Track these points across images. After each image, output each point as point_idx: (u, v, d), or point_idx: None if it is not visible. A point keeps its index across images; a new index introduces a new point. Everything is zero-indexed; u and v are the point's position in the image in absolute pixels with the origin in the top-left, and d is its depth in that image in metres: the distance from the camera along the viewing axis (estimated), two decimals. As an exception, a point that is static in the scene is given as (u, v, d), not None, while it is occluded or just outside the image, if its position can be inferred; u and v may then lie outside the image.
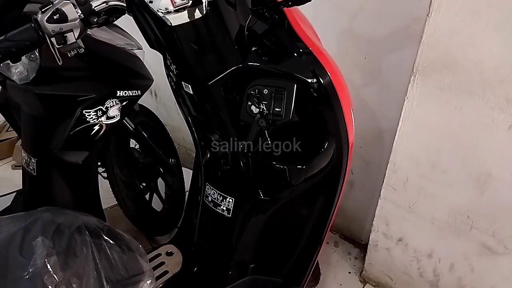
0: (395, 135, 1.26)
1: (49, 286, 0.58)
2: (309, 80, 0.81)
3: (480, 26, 0.97)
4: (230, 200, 1.04)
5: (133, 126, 1.48)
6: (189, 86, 0.82)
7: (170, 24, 0.68)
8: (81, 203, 1.33)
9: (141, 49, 1.38)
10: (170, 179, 1.81)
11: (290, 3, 0.77)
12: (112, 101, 1.22)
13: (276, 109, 0.85)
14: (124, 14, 0.80)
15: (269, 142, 0.90)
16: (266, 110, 0.86)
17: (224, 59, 0.78)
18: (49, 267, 0.60)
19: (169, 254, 1.30)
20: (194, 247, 1.24)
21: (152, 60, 1.33)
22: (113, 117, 1.24)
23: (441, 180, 1.21)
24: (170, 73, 0.94)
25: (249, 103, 0.87)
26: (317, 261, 1.44)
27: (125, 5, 0.75)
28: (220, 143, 0.93)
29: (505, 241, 1.16)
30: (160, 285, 1.18)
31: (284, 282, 1.15)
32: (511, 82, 0.97)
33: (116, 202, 1.59)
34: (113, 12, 0.78)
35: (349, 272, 1.67)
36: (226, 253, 1.12)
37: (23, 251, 0.61)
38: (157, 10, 0.67)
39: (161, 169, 1.75)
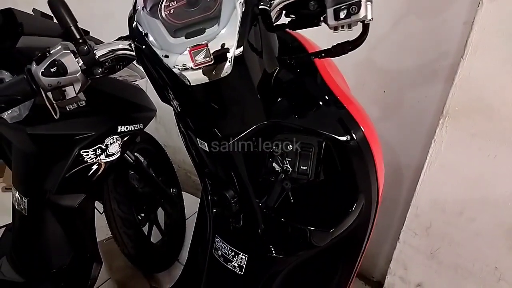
0: (418, 174, 1.17)
1: None
2: (341, 138, 0.71)
3: (521, 71, 0.88)
4: (243, 256, 0.94)
5: (133, 158, 1.38)
6: (205, 144, 0.72)
7: (188, 84, 0.58)
8: (75, 244, 1.23)
9: (144, 77, 1.29)
10: (170, 209, 1.71)
11: (323, 54, 0.67)
12: (113, 138, 1.11)
13: (302, 167, 0.76)
14: (132, 62, 0.70)
15: (292, 201, 0.81)
16: (291, 168, 0.76)
17: (248, 116, 0.68)
18: None
19: (172, 304, 1.20)
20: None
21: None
22: (113, 154, 1.14)
23: (469, 228, 1.13)
24: (182, 127, 0.84)
25: (271, 159, 0.77)
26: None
27: (134, 54, 0.65)
28: (235, 199, 0.83)
29: (538, 297, 1.08)
30: None
31: None
32: (555, 133, 0.88)
33: (111, 234, 1.48)
34: (120, 61, 0.68)
35: (361, 313, 1.58)
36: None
37: None
38: (173, 67, 0.57)
39: (160, 199, 1.65)
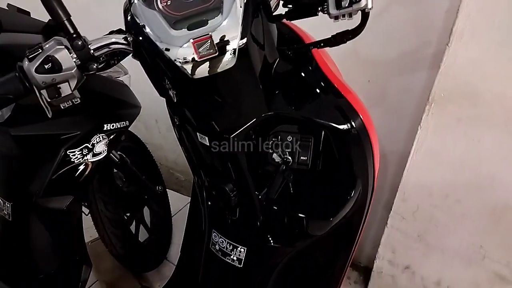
0: (403, 160, 1.20)
1: None
2: (341, 127, 0.72)
3: (504, 56, 0.91)
4: (242, 249, 0.94)
5: (118, 157, 1.35)
6: (206, 138, 0.71)
7: (191, 77, 0.57)
8: (63, 248, 1.19)
9: (127, 74, 1.25)
10: (156, 207, 1.68)
11: (322, 44, 0.67)
12: (99, 136, 1.08)
13: (302, 157, 0.76)
14: (127, 56, 0.68)
15: (291, 191, 0.81)
16: (291, 159, 0.77)
17: (250, 108, 0.68)
18: None
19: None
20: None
21: (134, 78, 1.21)
22: (100, 153, 1.11)
23: (455, 210, 1.17)
24: (178, 121, 0.82)
25: (271, 151, 0.77)
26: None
27: (131, 49, 0.63)
28: (234, 193, 0.83)
29: (521, 272, 1.13)
30: None
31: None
32: (536, 115, 0.93)
33: (97, 236, 1.45)
34: (114, 55, 0.66)
35: (350, 298, 1.61)
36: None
37: None
38: (175, 60, 0.56)
39: (146, 197, 1.62)
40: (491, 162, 1.04)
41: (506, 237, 1.12)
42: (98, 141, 1.08)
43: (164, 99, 0.73)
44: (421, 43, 1.16)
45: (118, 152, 1.41)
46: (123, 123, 1.16)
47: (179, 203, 2.01)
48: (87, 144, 1.05)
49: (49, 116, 0.66)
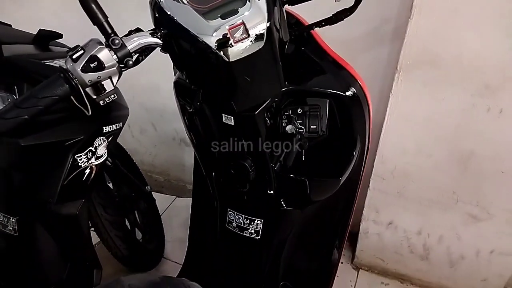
0: (379, 127, 1.34)
1: None
2: (345, 94, 0.83)
3: (458, 23, 1.07)
4: (259, 222, 1.02)
5: (110, 160, 1.37)
6: (231, 118, 0.78)
7: (228, 60, 0.65)
8: (72, 256, 1.20)
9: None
10: (146, 207, 1.71)
11: (323, 23, 0.78)
12: (100, 139, 1.11)
13: (312, 126, 0.86)
14: (153, 51, 0.74)
15: (304, 160, 0.91)
16: (302, 129, 0.86)
17: (272, 86, 0.77)
18: None
19: None
20: (215, 275, 1.19)
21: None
22: (102, 156, 1.14)
23: (427, 164, 1.33)
24: (189, 102, 0.89)
25: (284, 124, 0.86)
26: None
27: (161, 43, 0.69)
28: (252, 168, 0.91)
29: (488, 208, 1.32)
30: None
31: (313, 289, 1.17)
32: (488, 71, 1.10)
33: (95, 243, 1.46)
34: (144, 51, 0.72)
35: (341, 262, 1.75)
36: (255, 276, 1.11)
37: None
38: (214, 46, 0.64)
39: (136, 198, 1.64)
40: (454, 117, 1.21)
41: (474, 181, 1.30)
42: (99, 144, 1.11)
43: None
44: (381, 21, 1.30)
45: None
46: (118, 125, 1.19)
47: (164, 203, 2.05)
48: (91, 148, 1.08)
49: (88, 114, 0.70)
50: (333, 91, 0.83)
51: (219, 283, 1.19)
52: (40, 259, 1.17)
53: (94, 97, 0.66)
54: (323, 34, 1.39)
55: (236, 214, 1.04)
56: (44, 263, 1.18)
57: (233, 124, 0.79)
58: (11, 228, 1.10)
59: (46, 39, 1.06)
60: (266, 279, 1.11)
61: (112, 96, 0.70)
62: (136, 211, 1.67)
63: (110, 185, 1.52)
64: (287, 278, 1.15)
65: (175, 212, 2.02)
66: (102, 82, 0.66)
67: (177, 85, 0.92)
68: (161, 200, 2.04)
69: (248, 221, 1.03)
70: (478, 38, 1.07)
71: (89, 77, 0.64)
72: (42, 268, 1.18)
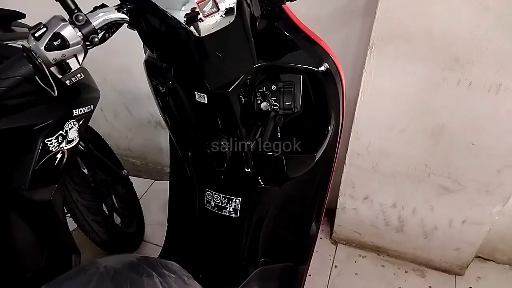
0: (353, 104, 1.36)
1: None
2: (318, 69, 0.83)
3: (428, -3, 1.08)
4: (237, 200, 1.03)
5: (83, 145, 1.34)
6: (205, 96, 0.77)
7: (198, 35, 0.63)
8: (49, 243, 1.18)
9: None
10: (123, 191, 1.69)
11: (293, -4, 0.77)
12: (70, 123, 1.08)
13: (286, 103, 0.86)
14: (120, 27, 0.72)
15: (279, 137, 0.91)
16: (277, 106, 0.86)
17: (244, 62, 0.76)
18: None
19: (165, 268, 1.24)
20: (193, 255, 1.20)
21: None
22: (73, 140, 1.11)
23: (400, 139, 1.36)
24: (160, 82, 0.87)
25: (259, 101, 0.86)
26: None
27: (128, 18, 0.67)
28: (228, 146, 0.91)
29: (459, 180, 1.36)
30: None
31: (292, 264, 1.19)
32: (458, 44, 1.11)
33: (72, 229, 1.44)
34: (110, 28, 0.69)
35: (320, 238, 1.79)
36: (235, 254, 1.12)
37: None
38: (182, 21, 0.62)
39: (113, 183, 1.62)
40: (425, 91, 1.23)
41: (445, 154, 1.33)
42: (70, 127, 1.08)
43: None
44: (350, -2, 1.30)
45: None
46: (89, 108, 1.16)
47: (143, 187, 2.03)
48: (61, 132, 1.05)
49: (55, 95, 0.68)
50: (307, 67, 0.82)
51: (200, 263, 1.20)
52: (15, 247, 1.14)
53: (60, 76, 0.64)
54: (295, 11, 1.38)
55: (214, 194, 1.04)
56: (20, 251, 1.16)
57: (206, 102, 0.78)
58: (-18, 217, 1.07)
59: (7, 19, 1.02)
60: (246, 257, 1.12)
61: (79, 75, 0.68)
62: (113, 196, 1.66)
63: (85, 170, 1.49)
64: (267, 254, 1.17)
65: (154, 196, 2.01)
66: (67, 61, 0.63)
67: (147, 64, 0.90)
68: (139, 184, 2.02)
69: (226, 200, 1.03)
70: (449, 12, 1.08)
71: (53, 55, 0.61)
72: (18, 256, 1.16)
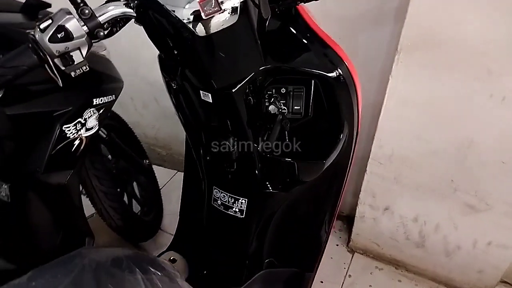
0: (378, 111, 1.30)
1: None
2: (329, 75, 0.80)
3: (461, 3, 1.01)
4: (243, 201, 1.02)
5: (106, 133, 1.38)
6: (209, 95, 0.77)
7: (199, 35, 0.62)
8: (65, 225, 1.23)
9: (106, 48, 1.27)
10: (144, 180, 1.73)
11: (309, -2, 0.74)
12: (90, 111, 1.11)
13: (296, 107, 0.84)
14: (128, 22, 0.72)
15: (288, 141, 0.89)
16: (286, 109, 0.84)
17: (249, 63, 0.74)
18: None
19: (173, 261, 1.26)
20: (200, 251, 1.21)
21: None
22: (92, 128, 1.14)
23: (426, 150, 1.29)
24: (172, 79, 0.87)
25: (267, 103, 0.84)
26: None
27: (134, 14, 0.67)
28: (235, 146, 0.90)
29: (486, 199, 1.28)
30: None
31: (298, 270, 1.17)
32: (492, 54, 1.04)
33: (92, 213, 1.49)
34: (118, 23, 0.70)
35: (337, 245, 1.74)
36: (240, 253, 1.11)
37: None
38: (183, 19, 0.61)
39: (135, 171, 1.66)
40: (454, 102, 1.16)
41: (473, 170, 1.25)
42: (89, 116, 1.11)
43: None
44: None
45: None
46: (110, 97, 1.19)
47: (166, 177, 2.07)
48: (80, 119, 1.08)
49: (60, 85, 0.69)
50: (318, 72, 0.79)
51: (205, 260, 1.21)
52: (32, 226, 1.19)
53: (63, 68, 0.65)
54: (322, 11, 1.35)
55: (221, 192, 1.04)
56: (36, 231, 1.21)
57: (211, 101, 0.78)
58: (4, 194, 1.12)
59: (34, 8, 1.05)
60: (251, 257, 1.11)
61: (84, 67, 0.69)
62: (136, 184, 1.70)
63: (109, 157, 1.54)
64: (273, 255, 1.15)
65: (175, 186, 2.03)
66: (71, 53, 0.64)
67: (161, 59, 0.91)
68: (162, 174, 2.06)
69: (233, 200, 1.02)
70: (482, 19, 1.01)
71: (56, 47, 0.62)
72: (34, 235, 1.21)
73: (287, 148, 0.90)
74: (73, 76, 0.68)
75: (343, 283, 1.58)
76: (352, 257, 1.69)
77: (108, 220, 1.44)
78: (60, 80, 0.69)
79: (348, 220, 1.73)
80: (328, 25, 1.36)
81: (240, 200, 1.02)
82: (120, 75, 1.29)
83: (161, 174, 1.99)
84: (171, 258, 1.27)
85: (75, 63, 0.65)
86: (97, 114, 1.14)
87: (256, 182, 0.97)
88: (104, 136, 1.37)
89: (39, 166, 1.04)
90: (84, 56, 0.66)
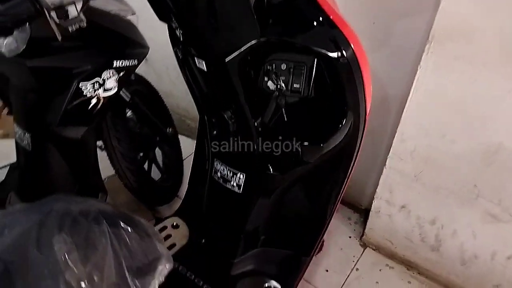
0: (405, 104, 1.23)
1: (71, 282, 0.56)
2: (331, 55, 0.76)
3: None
4: (241, 176, 1.01)
5: (129, 96, 1.41)
6: (203, 62, 0.76)
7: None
8: (80, 177, 1.29)
9: (135, 13, 1.29)
10: (167, 148, 1.77)
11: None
12: (109, 72, 1.14)
13: (295, 85, 0.81)
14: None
15: (285, 119, 0.87)
16: (284, 87, 0.81)
17: (243, 33, 0.72)
18: (69, 263, 0.57)
19: (175, 226, 1.29)
20: (201, 220, 1.23)
21: (144, 25, 1.25)
22: (110, 89, 1.17)
23: (450, 150, 1.21)
24: (178, 48, 0.87)
25: (266, 78, 0.82)
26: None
27: None
28: (232, 120, 0.89)
29: (510, 209, 1.18)
30: (169, 259, 1.17)
31: (294, 253, 1.15)
32: (532, 52, 0.94)
33: (113, 173, 1.55)
34: None
35: (350, 237, 1.70)
36: (236, 227, 1.11)
37: (41, 247, 0.57)
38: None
39: (158, 139, 1.70)
40: (485, 102, 1.07)
41: (498, 177, 1.16)
42: (108, 76, 1.14)
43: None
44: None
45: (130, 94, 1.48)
46: (132, 61, 1.22)
47: (190, 148, 2.10)
48: (98, 79, 1.11)
49: (59, 39, 0.72)
50: (319, 50, 0.76)
51: (205, 229, 1.22)
52: (50, 175, 1.27)
53: (58, 21, 0.67)
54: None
55: (221, 165, 1.04)
56: (54, 180, 1.28)
57: (205, 69, 0.77)
58: (26, 143, 1.20)
59: None
60: (247, 232, 1.11)
61: (81, 23, 0.70)
62: (159, 150, 1.74)
63: (132, 123, 1.59)
64: (269, 235, 1.14)
65: (200, 158, 2.07)
66: (66, 8, 0.66)
67: (170, 28, 0.91)
68: (189, 144, 2.08)
69: (231, 174, 1.02)
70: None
71: (52, 0, 0.64)
72: (52, 184, 1.29)
73: (285, 129, 0.88)
74: (70, 31, 0.70)
75: (348, 275, 1.55)
76: (364, 251, 1.65)
77: (124, 180, 1.50)
78: (59, 34, 0.71)
79: (366, 214, 1.67)
80: (362, 8, 1.30)
81: (238, 175, 1.01)
82: (146, 41, 1.31)
83: (188, 145, 2.02)
84: (174, 223, 1.30)
85: (69, 17, 0.66)
86: (116, 76, 1.17)
87: (254, 160, 0.96)
88: (127, 99, 1.40)
89: (55, 119, 1.09)
90: (79, 12, 0.67)
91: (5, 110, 2.08)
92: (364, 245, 1.67)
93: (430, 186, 1.32)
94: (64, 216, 0.63)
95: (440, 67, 1.09)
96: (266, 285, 1.14)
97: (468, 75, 1.05)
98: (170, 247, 1.23)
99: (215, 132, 1.00)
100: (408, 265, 1.58)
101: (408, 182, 1.37)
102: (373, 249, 1.65)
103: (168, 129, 1.70)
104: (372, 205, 1.54)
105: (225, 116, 0.87)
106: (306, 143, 0.88)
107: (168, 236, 1.27)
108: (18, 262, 0.54)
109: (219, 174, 1.05)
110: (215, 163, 1.05)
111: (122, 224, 0.69)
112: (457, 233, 1.35)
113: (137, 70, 1.57)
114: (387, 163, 1.38)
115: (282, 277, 1.15)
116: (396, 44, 1.30)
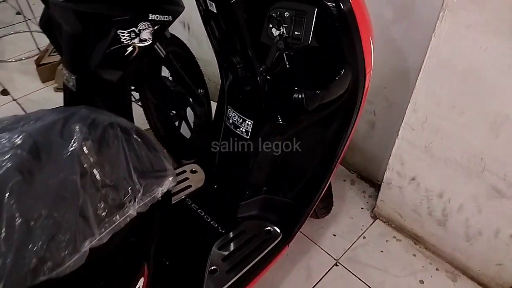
0: (418, 73, 1.26)
1: (85, 165, 0.69)
2: (330, 4, 0.83)
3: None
4: (249, 122, 1.11)
5: (164, 52, 1.55)
6: (213, 4, 0.86)
7: None
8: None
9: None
10: (199, 109, 1.89)
11: None
12: (144, 24, 1.27)
13: (296, 32, 0.89)
14: None
15: (287, 65, 0.95)
16: (286, 33, 0.90)
17: None
18: (85, 149, 0.70)
19: (193, 172, 1.42)
20: (215, 167, 1.34)
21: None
22: (145, 40, 1.31)
23: (458, 121, 1.23)
24: (202, 10, 0.98)
25: (270, 25, 0.91)
26: (331, 192, 1.53)
27: None
28: (241, 65, 0.98)
29: (515, 184, 1.19)
30: (183, 197, 1.30)
31: (295, 203, 1.24)
32: (541, 20, 0.95)
33: (147, 127, 1.71)
34: None
35: (362, 208, 1.75)
36: (243, 174, 1.22)
37: (63, 135, 0.71)
38: None
39: (190, 99, 1.83)
40: (494, 71, 1.08)
41: (505, 150, 1.17)
42: (143, 28, 1.28)
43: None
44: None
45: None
46: (166, 17, 1.34)
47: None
48: (134, 29, 1.25)
49: None
50: None
51: (216, 175, 1.34)
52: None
53: None
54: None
55: (233, 112, 1.15)
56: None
57: (215, 11, 0.87)
58: (72, 84, 1.38)
59: None
60: (252, 178, 1.21)
61: None
62: (190, 109, 1.88)
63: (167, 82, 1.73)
64: (271, 184, 1.24)
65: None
66: None
67: None
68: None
69: (241, 120, 1.13)
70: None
71: None
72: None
73: (287, 76, 0.96)
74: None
75: (355, 242, 1.61)
76: (373, 222, 1.70)
77: (154, 130, 1.65)
78: None
79: (379, 187, 1.71)
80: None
81: (246, 121, 1.11)
82: (181, 1, 1.43)
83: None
84: (193, 169, 1.43)
85: None
86: (151, 29, 1.30)
87: (261, 108, 1.06)
88: (163, 55, 1.54)
89: (96, 61, 1.25)
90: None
91: (61, 66, 2.32)
92: (375, 217, 1.72)
93: (439, 157, 1.35)
94: (84, 117, 0.76)
95: (453, 35, 1.12)
96: (267, 229, 1.24)
97: (479, 44, 1.08)
98: (186, 188, 1.36)
99: (228, 79, 1.10)
100: (416, 239, 1.61)
101: (418, 154, 1.40)
102: (383, 221, 1.70)
103: (200, 91, 1.82)
104: (384, 177, 1.58)
105: (234, 60, 0.97)
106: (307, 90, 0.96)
107: (185, 179, 1.40)
108: (44, 142, 0.68)
109: (230, 120, 1.15)
110: (228, 110, 1.16)
111: (133, 134, 0.81)
112: (463, 207, 1.37)
113: (180, 37, 1.72)
114: (399, 133, 1.42)
115: (283, 224, 1.24)
116: (419, 14, 1.33)
